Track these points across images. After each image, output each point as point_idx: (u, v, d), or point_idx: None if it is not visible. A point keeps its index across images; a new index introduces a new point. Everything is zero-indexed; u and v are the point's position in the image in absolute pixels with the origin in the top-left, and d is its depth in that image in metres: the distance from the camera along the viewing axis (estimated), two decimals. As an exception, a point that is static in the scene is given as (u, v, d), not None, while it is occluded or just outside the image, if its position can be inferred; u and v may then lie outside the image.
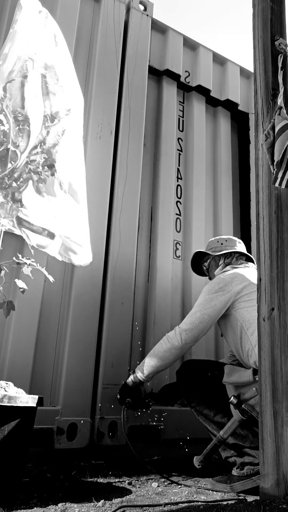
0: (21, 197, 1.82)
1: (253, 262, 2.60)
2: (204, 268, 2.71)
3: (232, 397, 2.05)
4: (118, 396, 2.43)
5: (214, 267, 2.62)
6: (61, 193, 2.00)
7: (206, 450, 2.12)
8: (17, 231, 1.89)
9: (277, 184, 1.73)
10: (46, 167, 1.90)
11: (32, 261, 1.83)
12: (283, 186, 1.73)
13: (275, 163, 1.74)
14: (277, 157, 1.73)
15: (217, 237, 2.74)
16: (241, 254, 2.60)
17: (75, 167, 2.15)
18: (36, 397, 1.72)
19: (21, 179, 1.82)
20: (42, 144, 1.92)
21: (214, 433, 2.18)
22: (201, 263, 2.73)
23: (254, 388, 2.04)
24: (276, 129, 1.75)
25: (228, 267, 2.50)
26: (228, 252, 2.59)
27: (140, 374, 2.33)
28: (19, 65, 1.90)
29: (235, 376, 2.11)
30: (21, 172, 1.82)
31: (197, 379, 2.26)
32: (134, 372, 2.38)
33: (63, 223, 2.01)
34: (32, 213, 1.86)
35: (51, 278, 1.88)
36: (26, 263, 1.79)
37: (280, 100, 1.81)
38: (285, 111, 1.78)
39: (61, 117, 2.00)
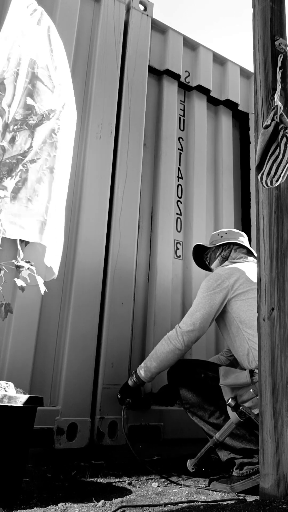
0: (8, 195, 1.82)
1: (253, 255, 2.58)
2: (206, 262, 2.71)
3: (230, 400, 2.04)
4: (119, 396, 2.44)
5: (213, 260, 2.62)
6: (47, 195, 1.99)
7: (200, 453, 2.11)
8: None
9: (261, 186, 1.73)
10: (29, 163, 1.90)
11: (32, 265, 1.82)
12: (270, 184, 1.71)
13: (256, 165, 1.71)
14: (257, 161, 1.71)
15: (219, 230, 2.74)
16: (240, 246, 2.58)
17: (63, 169, 2.14)
18: (36, 397, 1.72)
19: (12, 176, 1.82)
20: (33, 141, 1.92)
21: (210, 434, 2.18)
22: (204, 258, 2.74)
23: (251, 390, 2.03)
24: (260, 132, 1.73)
25: (226, 262, 2.50)
26: (225, 244, 2.58)
27: (142, 374, 2.33)
28: (11, 64, 1.90)
29: (231, 377, 2.10)
30: (10, 169, 1.82)
31: (190, 379, 2.25)
32: (135, 372, 2.38)
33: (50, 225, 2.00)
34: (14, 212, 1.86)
35: (42, 290, 1.88)
36: (24, 266, 1.79)
37: (277, 98, 1.79)
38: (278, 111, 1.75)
39: (56, 115, 2.01)
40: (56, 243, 2.07)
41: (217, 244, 2.59)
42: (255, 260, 2.48)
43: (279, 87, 1.82)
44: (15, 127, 1.85)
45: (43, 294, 1.91)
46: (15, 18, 2.02)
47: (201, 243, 2.73)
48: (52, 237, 2.00)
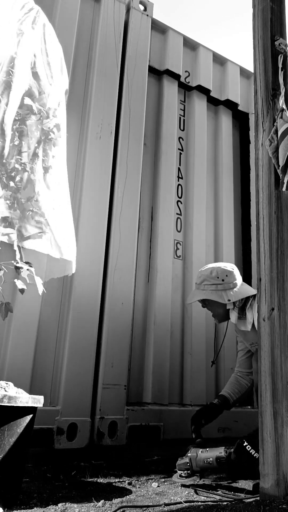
0: (19, 197, 1.83)
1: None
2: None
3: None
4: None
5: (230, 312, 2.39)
6: (50, 193, 2.00)
7: None
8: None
9: (284, 189, 1.73)
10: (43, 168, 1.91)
11: (31, 266, 1.82)
12: None
13: (280, 167, 1.73)
14: (281, 162, 1.72)
15: (213, 271, 2.39)
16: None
17: (62, 168, 2.15)
18: (36, 397, 1.72)
19: (18, 178, 1.83)
20: (31, 140, 1.93)
21: None
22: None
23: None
24: (279, 133, 1.74)
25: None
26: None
27: None
28: (7, 63, 1.90)
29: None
30: (16, 171, 1.83)
31: None
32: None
33: (55, 223, 2.01)
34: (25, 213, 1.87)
35: (40, 290, 1.88)
36: (22, 267, 1.79)
37: (281, 101, 1.80)
38: (287, 113, 1.77)
39: (52, 113, 2.01)
40: (66, 238, 2.07)
41: (231, 302, 2.33)
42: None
43: (283, 91, 1.82)
44: (14, 127, 1.85)
45: (40, 294, 1.92)
46: (8, 17, 2.02)
47: (210, 298, 2.37)
48: (60, 233, 2.00)
